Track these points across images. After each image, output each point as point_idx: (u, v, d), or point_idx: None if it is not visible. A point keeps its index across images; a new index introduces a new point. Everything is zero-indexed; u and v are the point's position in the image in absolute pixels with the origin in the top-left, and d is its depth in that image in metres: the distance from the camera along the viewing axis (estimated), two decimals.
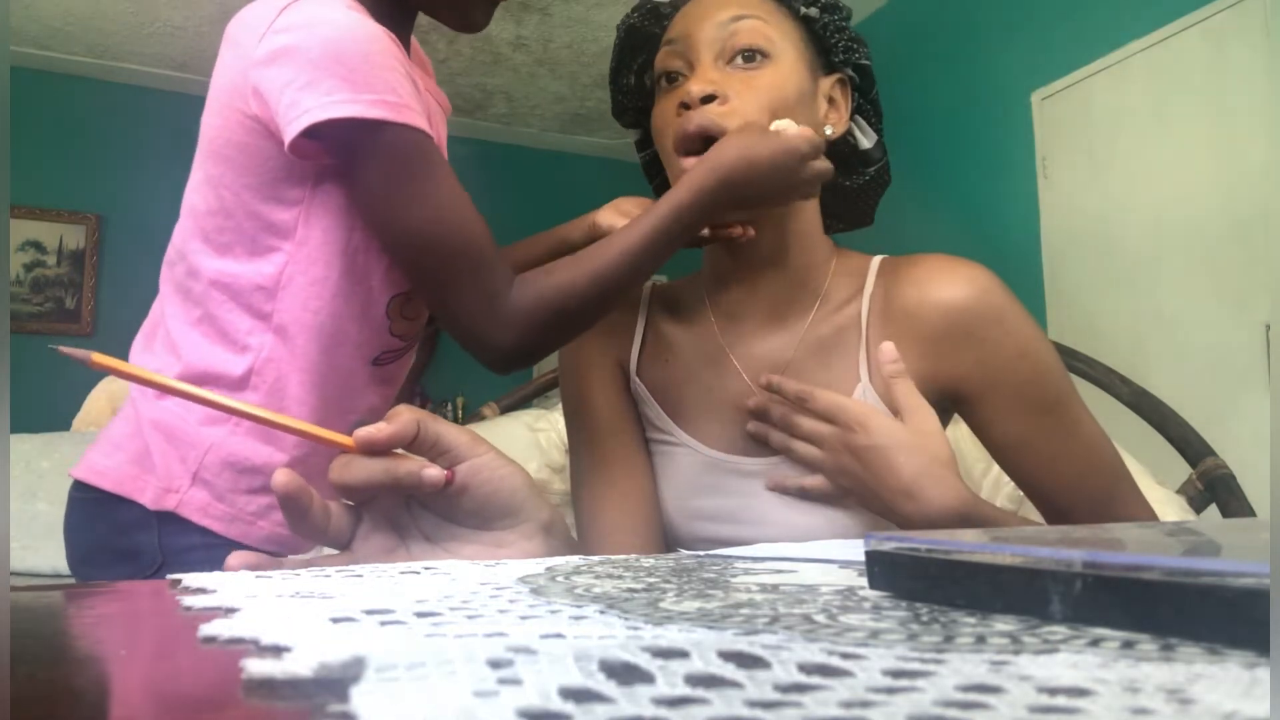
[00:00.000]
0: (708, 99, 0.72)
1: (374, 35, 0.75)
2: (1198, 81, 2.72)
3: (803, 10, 0.77)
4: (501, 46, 4.55)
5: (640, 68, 0.83)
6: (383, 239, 0.82)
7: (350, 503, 0.47)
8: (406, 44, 0.91)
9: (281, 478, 0.42)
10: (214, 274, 0.84)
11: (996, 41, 3.52)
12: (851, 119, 0.80)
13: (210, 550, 0.84)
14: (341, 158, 0.78)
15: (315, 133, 0.74)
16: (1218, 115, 2.66)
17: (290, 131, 0.74)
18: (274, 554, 0.88)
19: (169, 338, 0.87)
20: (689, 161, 0.73)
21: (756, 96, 0.72)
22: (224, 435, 0.84)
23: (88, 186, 4.57)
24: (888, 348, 0.67)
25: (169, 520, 0.83)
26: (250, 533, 0.86)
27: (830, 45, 0.78)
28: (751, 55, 0.73)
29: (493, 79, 4.95)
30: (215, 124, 0.82)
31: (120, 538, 0.85)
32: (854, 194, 0.85)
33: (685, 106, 0.72)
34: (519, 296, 0.77)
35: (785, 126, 0.72)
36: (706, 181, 0.72)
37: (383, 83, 0.74)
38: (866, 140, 0.81)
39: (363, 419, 0.93)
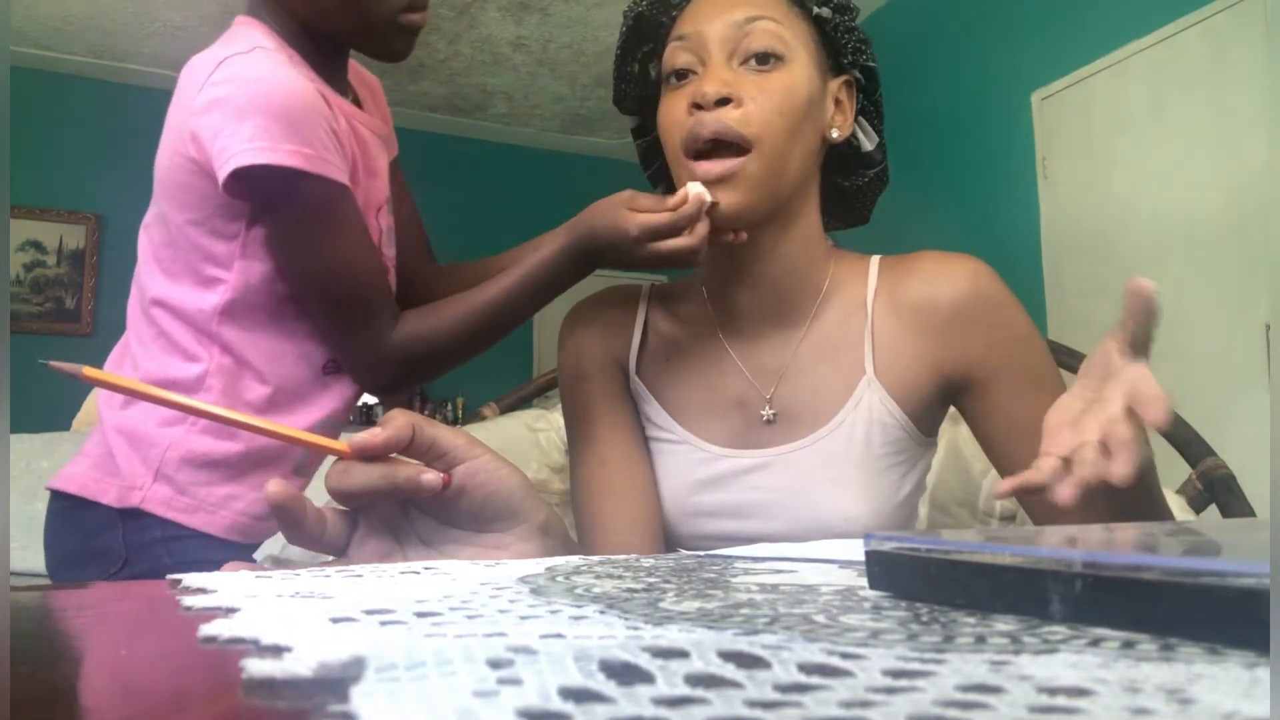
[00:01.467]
0: (722, 101, 0.70)
1: (297, 91, 0.82)
2: (1198, 81, 2.72)
3: (815, 10, 0.76)
4: (501, 46, 4.55)
5: (645, 56, 0.82)
6: (286, 277, 0.89)
7: (345, 508, 0.47)
8: (342, 79, 0.97)
9: (275, 487, 0.42)
10: (162, 296, 0.90)
11: (996, 41, 3.52)
12: (855, 120, 0.80)
13: (170, 544, 0.88)
14: (261, 200, 0.85)
15: (240, 176, 0.80)
16: (1218, 115, 2.66)
17: (221, 174, 0.80)
18: (239, 544, 0.91)
19: (131, 354, 0.93)
20: (700, 165, 0.72)
21: (770, 99, 0.71)
22: (182, 434, 0.89)
23: (88, 186, 4.57)
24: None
25: (132, 517, 0.88)
26: (213, 521, 0.90)
27: (840, 46, 0.78)
28: (765, 58, 0.72)
29: (493, 79, 4.95)
30: (164, 164, 0.88)
31: (89, 540, 0.90)
32: (853, 194, 0.85)
33: (698, 107, 0.71)
34: (397, 341, 0.87)
35: (692, 192, 0.71)
36: (567, 243, 0.82)
37: (300, 135, 0.80)
38: (869, 142, 0.81)
39: (321, 423, 0.98)
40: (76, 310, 4.55)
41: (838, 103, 0.78)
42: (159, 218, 0.90)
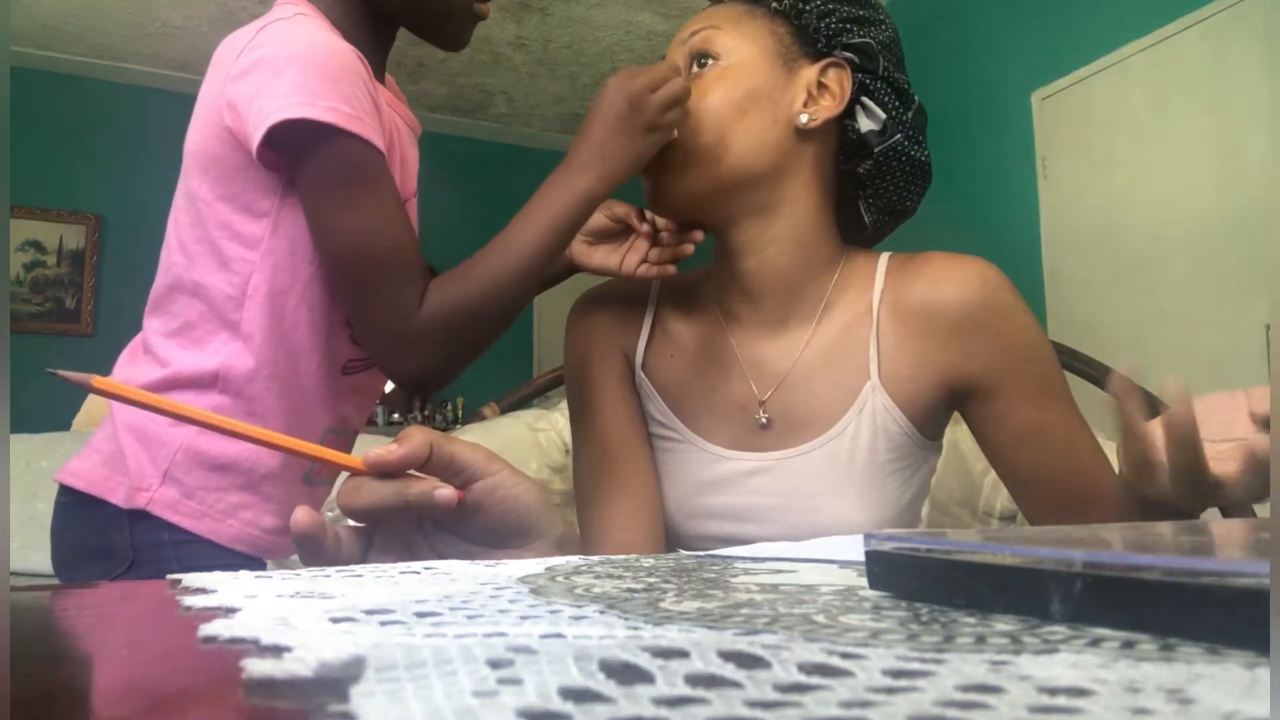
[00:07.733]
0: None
1: (337, 50, 0.80)
2: (1198, 81, 2.72)
3: (773, 4, 0.78)
4: (501, 46, 4.55)
5: None
6: (315, 242, 0.84)
7: (360, 525, 0.47)
8: (383, 63, 0.94)
9: (301, 517, 0.42)
10: (188, 284, 0.87)
11: (996, 41, 3.52)
12: (859, 101, 0.78)
13: (178, 547, 0.86)
14: (295, 159, 0.81)
15: (275, 140, 0.77)
16: (1218, 115, 2.66)
17: (255, 137, 0.77)
18: (246, 555, 0.88)
19: (150, 349, 0.90)
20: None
21: (699, 89, 0.76)
22: (193, 435, 0.87)
23: (88, 186, 4.57)
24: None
25: (140, 518, 0.86)
26: (220, 530, 0.88)
27: (809, 33, 0.78)
28: (703, 61, 0.77)
29: (493, 79, 4.95)
30: (195, 139, 0.86)
31: (95, 537, 0.88)
32: (878, 181, 0.81)
33: None
34: (426, 313, 0.80)
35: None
36: (570, 155, 0.78)
37: (338, 93, 0.78)
38: (870, 122, 0.79)
39: (333, 427, 0.95)
40: (76, 310, 4.55)
41: (821, 87, 0.77)
42: (187, 197, 0.87)
